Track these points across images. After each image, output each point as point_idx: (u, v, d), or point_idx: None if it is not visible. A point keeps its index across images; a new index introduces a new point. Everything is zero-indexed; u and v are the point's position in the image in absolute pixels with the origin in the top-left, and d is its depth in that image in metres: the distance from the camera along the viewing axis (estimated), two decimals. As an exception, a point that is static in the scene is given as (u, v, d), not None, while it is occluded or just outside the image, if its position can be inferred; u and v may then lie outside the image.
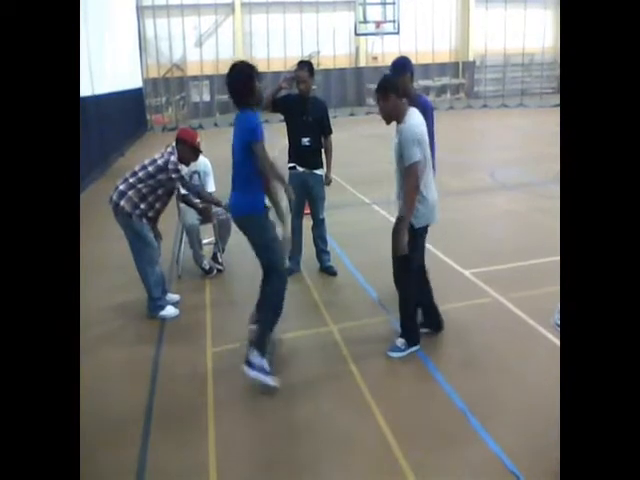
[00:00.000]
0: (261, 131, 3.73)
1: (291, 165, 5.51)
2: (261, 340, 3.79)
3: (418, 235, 3.98)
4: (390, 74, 4.24)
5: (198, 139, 4.89)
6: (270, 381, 3.72)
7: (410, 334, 4.14)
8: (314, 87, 5.74)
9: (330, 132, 5.65)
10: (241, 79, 3.75)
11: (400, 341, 4.14)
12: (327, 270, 5.81)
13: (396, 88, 3.88)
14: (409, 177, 3.82)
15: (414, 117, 3.87)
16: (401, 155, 3.83)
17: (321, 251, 5.86)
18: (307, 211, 5.82)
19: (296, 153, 5.48)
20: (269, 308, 3.93)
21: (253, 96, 3.78)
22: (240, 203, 3.88)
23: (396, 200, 4.09)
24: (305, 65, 5.44)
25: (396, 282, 4.16)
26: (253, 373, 3.71)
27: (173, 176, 4.64)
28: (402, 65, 4.44)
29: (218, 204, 5.31)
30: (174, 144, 4.80)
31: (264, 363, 3.73)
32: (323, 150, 5.66)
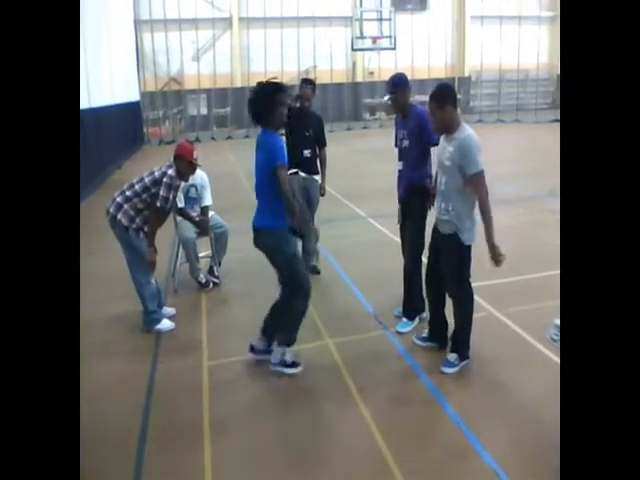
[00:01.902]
0: (282, 155, 3.74)
1: (293, 171, 5.71)
2: (288, 340, 4.09)
3: (469, 251, 3.97)
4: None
5: (195, 154, 4.88)
6: (295, 370, 4.06)
7: (464, 348, 4.10)
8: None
9: (325, 144, 6.11)
10: (259, 100, 3.76)
11: (453, 356, 4.08)
12: (312, 270, 6.09)
13: (453, 98, 3.86)
14: (479, 186, 3.75)
15: (468, 128, 3.86)
16: (456, 165, 3.77)
17: (307, 252, 6.14)
18: None
19: (298, 162, 5.77)
20: (291, 322, 4.09)
21: (271, 118, 3.79)
22: (261, 218, 3.94)
23: (438, 217, 4.03)
24: (310, 83, 5.96)
25: (453, 298, 4.12)
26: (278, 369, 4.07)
27: (161, 192, 4.61)
28: (405, 81, 4.47)
29: (197, 223, 5.70)
30: (172, 159, 4.81)
31: (287, 356, 4.09)
32: (318, 159, 6.11)
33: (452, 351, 4.12)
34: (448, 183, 3.88)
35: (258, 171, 3.90)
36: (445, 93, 3.87)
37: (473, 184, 3.77)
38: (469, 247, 3.95)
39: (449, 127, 3.85)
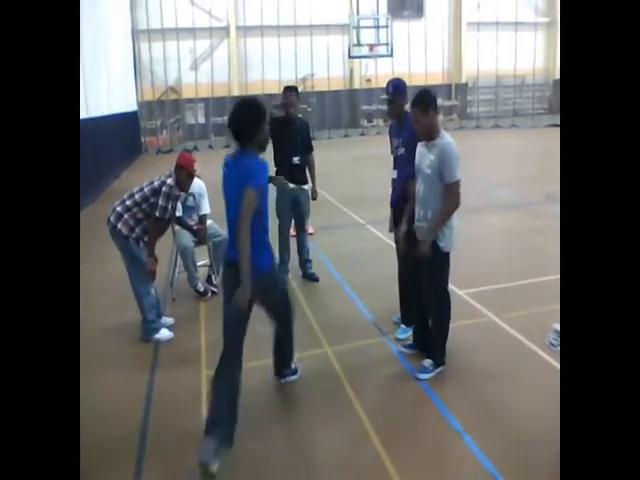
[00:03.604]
0: (261, 181, 3.22)
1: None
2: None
3: (448, 258, 3.98)
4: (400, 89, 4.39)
5: (196, 165, 4.88)
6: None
7: (439, 355, 4.10)
8: (309, 109, 6.14)
9: (312, 149, 6.16)
10: (249, 116, 3.27)
11: (428, 362, 4.10)
12: (310, 276, 6.22)
13: (435, 104, 3.88)
14: (452, 195, 3.81)
15: (448, 136, 3.89)
16: (436, 172, 3.80)
17: (305, 260, 6.27)
18: (293, 234, 6.22)
19: (287, 171, 5.67)
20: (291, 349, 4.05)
21: (257, 139, 3.29)
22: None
23: (417, 224, 4.05)
24: (294, 90, 5.96)
25: (430, 305, 4.10)
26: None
27: (160, 202, 4.59)
28: (404, 86, 4.48)
29: (195, 232, 5.66)
30: (173, 169, 4.82)
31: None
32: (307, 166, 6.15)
33: (427, 357, 4.14)
34: (427, 190, 3.90)
35: (233, 199, 3.26)
36: (428, 99, 3.87)
37: (448, 192, 3.82)
38: (447, 254, 3.96)
39: (431, 133, 3.87)
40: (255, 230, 3.23)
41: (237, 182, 3.23)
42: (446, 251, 3.93)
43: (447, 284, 4.06)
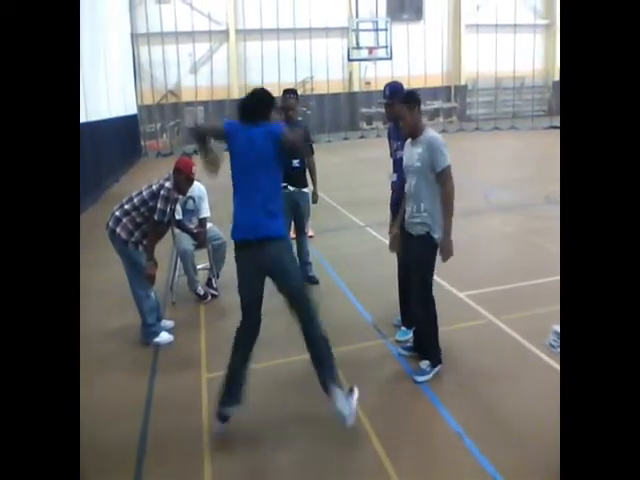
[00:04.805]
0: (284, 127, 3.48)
1: (282, 185, 5.64)
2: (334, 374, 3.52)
3: (436, 252, 4.00)
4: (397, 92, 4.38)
5: (195, 169, 4.88)
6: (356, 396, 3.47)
7: (434, 355, 4.09)
8: (308, 112, 6.12)
9: (312, 152, 6.18)
10: (263, 100, 3.55)
11: (425, 363, 4.09)
12: (310, 279, 6.13)
13: (419, 102, 3.99)
14: (446, 180, 3.86)
15: (432, 130, 4.00)
16: (427, 163, 3.85)
17: (305, 263, 6.22)
18: (293, 236, 6.05)
19: (286, 174, 5.61)
20: (324, 347, 3.55)
21: (269, 117, 3.51)
22: (264, 224, 3.35)
23: (409, 220, 4.05)
24: (293, 93, 5.96)
25: (417, 302, 4.10)
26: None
27: (158, 205, 4.60)
28: (401, 90, 4.48)
29: (194, 235, 5.68)
30: (172, 172, 4.82)
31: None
32: (307, 169, 6.16)
33: (423, 358, 4.13)
34: (418, 184, 3.95)
35: (259, 163, 3.37)
36: (414, 96, 4.00)
37: (442, 178, 3.87)
38: (437, 247, 3.99)
39: (416, 130, 3.97)
40: (279, 189, 3.49)
41: (263, 145, 3.36)
42: (438, 242, 3.96)
43: (432, 280, 4.07)
